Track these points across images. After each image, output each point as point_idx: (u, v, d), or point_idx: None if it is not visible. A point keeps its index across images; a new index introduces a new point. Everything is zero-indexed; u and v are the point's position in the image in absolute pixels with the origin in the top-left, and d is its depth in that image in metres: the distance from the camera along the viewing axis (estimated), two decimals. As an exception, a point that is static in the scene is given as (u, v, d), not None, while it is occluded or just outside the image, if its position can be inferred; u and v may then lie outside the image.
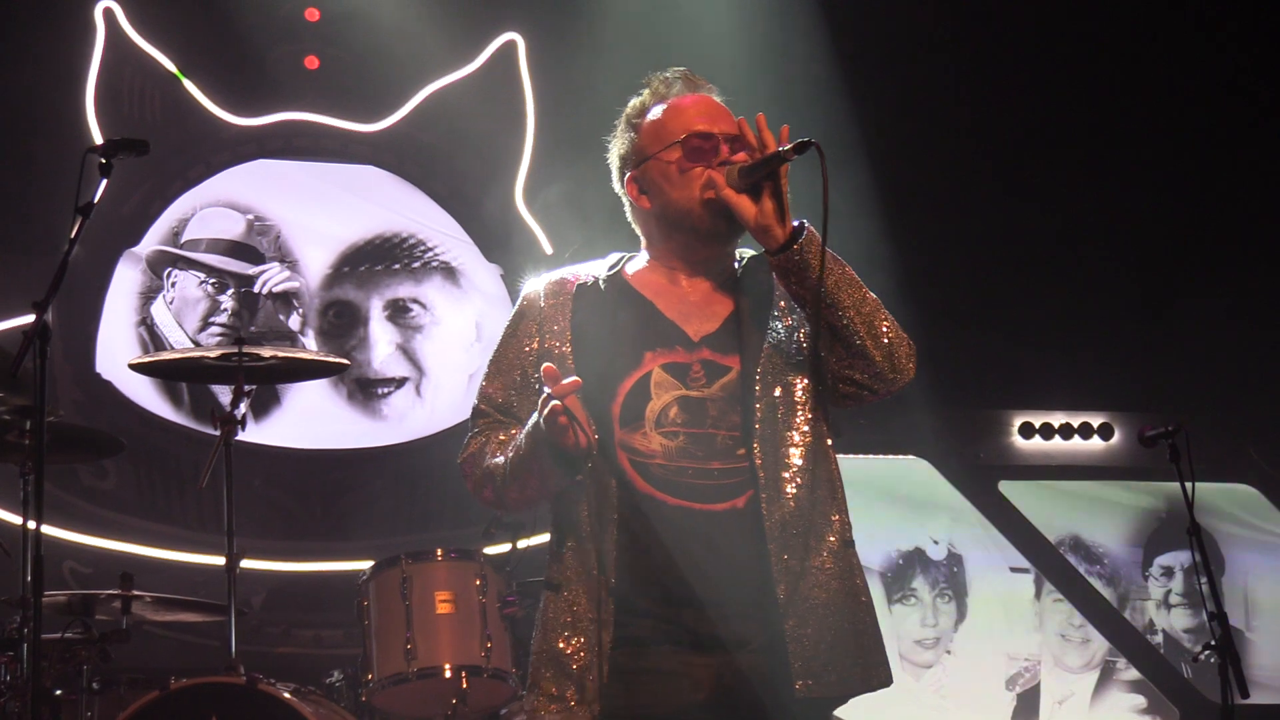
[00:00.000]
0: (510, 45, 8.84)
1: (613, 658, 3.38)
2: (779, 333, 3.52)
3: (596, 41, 8.45)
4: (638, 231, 3.71)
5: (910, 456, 8.96)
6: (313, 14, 8.70)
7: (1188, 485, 6.07)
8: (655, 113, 3.65)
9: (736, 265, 3.65)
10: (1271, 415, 9.12)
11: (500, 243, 8.68)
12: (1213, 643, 5.89)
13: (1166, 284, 8.93)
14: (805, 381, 3.50)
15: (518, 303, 3.67)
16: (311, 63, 8.73)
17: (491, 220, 8.71)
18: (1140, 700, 8.99)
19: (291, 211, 8.62)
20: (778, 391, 3.47)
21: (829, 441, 3.54)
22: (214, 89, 8.54)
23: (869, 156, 8.41)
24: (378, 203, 8.74)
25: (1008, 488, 9.16)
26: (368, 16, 8.59)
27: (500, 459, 3.50)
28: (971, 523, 9.10)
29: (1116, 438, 9.32)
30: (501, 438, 3.55)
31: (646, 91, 3.70)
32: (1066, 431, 9.32)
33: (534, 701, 3.44)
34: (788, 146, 3.42)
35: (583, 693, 3.38)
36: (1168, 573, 9.18)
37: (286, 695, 5.65)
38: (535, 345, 3.57)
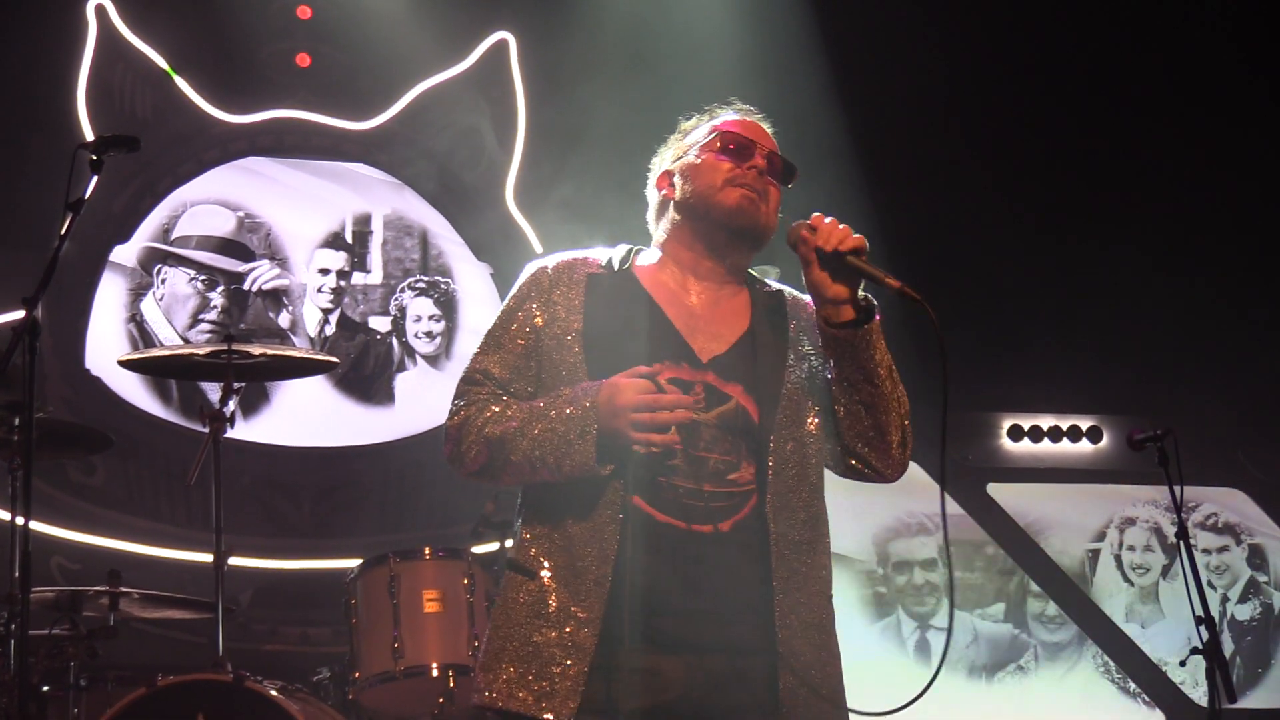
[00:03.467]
0: (501, 44, 8.84)
1: (596, 658, 3.37)
2: (794, 382, 3.54)
3: (587, 41, 8.46)
4: (653, 232, 3.74)
5: (899, 458, 8.94)
6: (304, 11, 8.71)
7: (1176, 489, 6.08)
8: (704, 124, 3.75)
9: (751, 285, 3.68)
10: (1259, 419, 9.14)
11: (490, 242, 8.68)
12: (1199, 646, 5.90)
13: (1156, 287, 8.93)
14: (814, 434, 3.54)
15: (522, 278, 3.65)
16: (303, 60, 8.74)
17: (482, 219, 8.71)
18: (1129, 703, 9.00)
19: (281, 209, 8.62)
20: (790, 446, 3.50)
21: (822, 494, 3.60)
22: (205, 86, 8.54)
23: (858, 157, 8.42)
24: (368, 201, 8.73)
25: (996, 490, 9.17)
26: (360, 14, 8.60)
27: (513, 426, 3.44)
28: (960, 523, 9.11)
29: (1105, 441, 9.33)
30: (497, 408, 3.49)
31: (704, 114, 3.80)
32: (1055, 434, 9.33)
33: (501, 685, 3.40)
34: (901, 286, 3.42)
35: (557, 688, 3.35)
36: (1150, 575, 9.20)
37: (273, 693, 5.64)
38: (541, 321, 3.55)
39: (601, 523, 3.41)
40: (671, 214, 3.67)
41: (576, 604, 3.39)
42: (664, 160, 3.76)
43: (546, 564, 3.44)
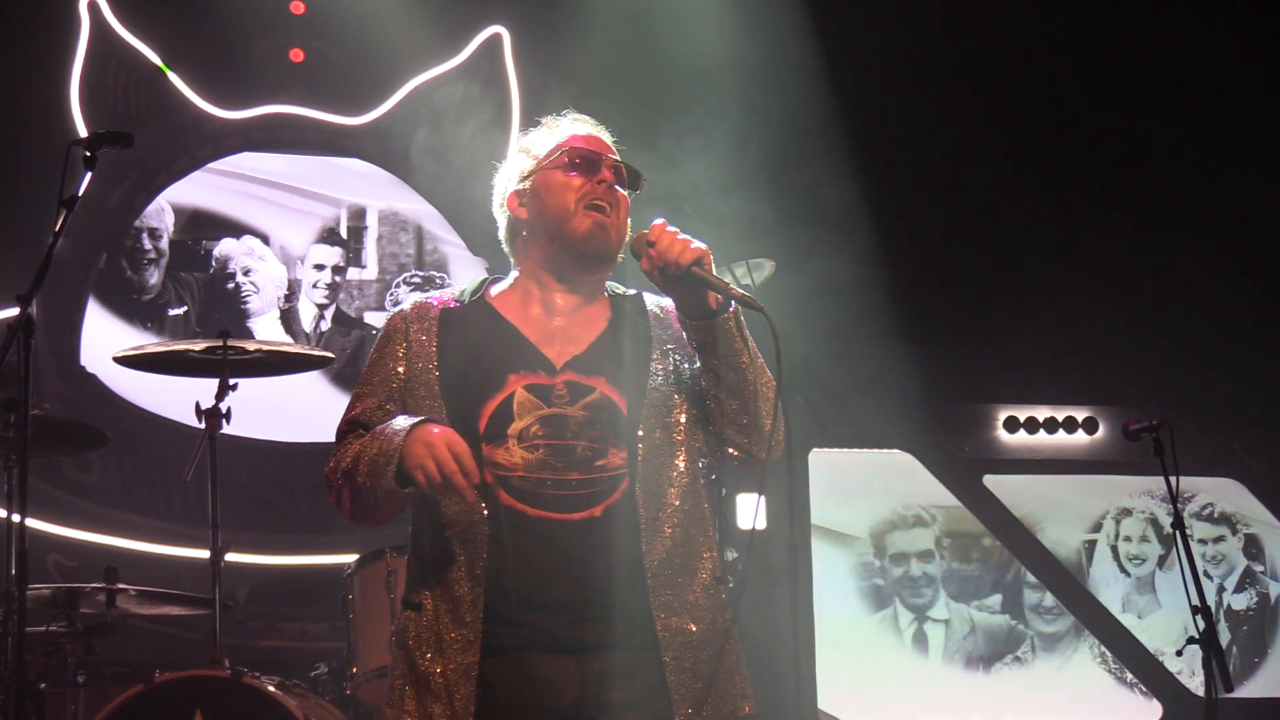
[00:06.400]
0: (496, 38, 8.84)
1: (480, 670, 3.46)
2: (658, 376, 3.63)
3: (582, 35, 8.45)
4: (507, 251, 3.82)
5: (895, 450, 8.95)
6: (298, 7, 8.70)
7: (1172, 479, 6.08)
8: (544, 138, 3.79)
9: (607, 294, 3.77)
10: (1255, 409, 9.14)
11: (485, 236, 8.67)
12: (1195, 636, 5.90)
13: (1151, 277, 8.94)
14: (684, 422, 3.62)
15: (383, 327, 3.76)
16: (297, 55, 8.72)
17: (476, 213, 8.69)
18: (1126, 693, 9.01)
19: (276, 205, 8.61)
20: (658, 434, 3.58)
21: (703, 481, 3.66)
22: (199, 82, 8.53)
23: (854, 151, 8.42)
24: (362, 196, 8.73)
25: (992, 481, 9.17)
26: (353, 9, 8.59)
27: (356, 451, 3.58)
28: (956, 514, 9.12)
29: (1101, 432, 9.33)
30: (356, 446, 3.62)
31: (541, 128, 3.84)
32: (1051, 425, 9.32)
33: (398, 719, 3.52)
34: (744, 294, 3.49)
35: (452, 711, 3.45)
36: (1147, 565, 9.21)
37: (271, 688, 5.64)
38: (403, 369, 3.66)
39: (470, 541, 3.50)
40: (524, 235, 3.74)
41: (459, 628, 3.48)
42: (509, 178, 3.81)
43: (428, 595, 3.55)
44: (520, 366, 3.58)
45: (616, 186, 3.71)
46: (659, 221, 3.54)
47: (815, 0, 8.67)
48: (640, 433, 3.56)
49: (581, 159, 3.71)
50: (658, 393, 3.60)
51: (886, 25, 8.75)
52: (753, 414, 3.57)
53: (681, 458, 3.60)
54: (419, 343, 3.66)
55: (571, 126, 3.80)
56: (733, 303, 3.51)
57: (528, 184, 3.74)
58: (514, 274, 3.78)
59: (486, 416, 3.55)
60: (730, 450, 3.62)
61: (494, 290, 3.77)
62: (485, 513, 3.49)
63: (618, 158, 3.76)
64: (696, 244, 3.48)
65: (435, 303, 3.74)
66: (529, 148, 3.80)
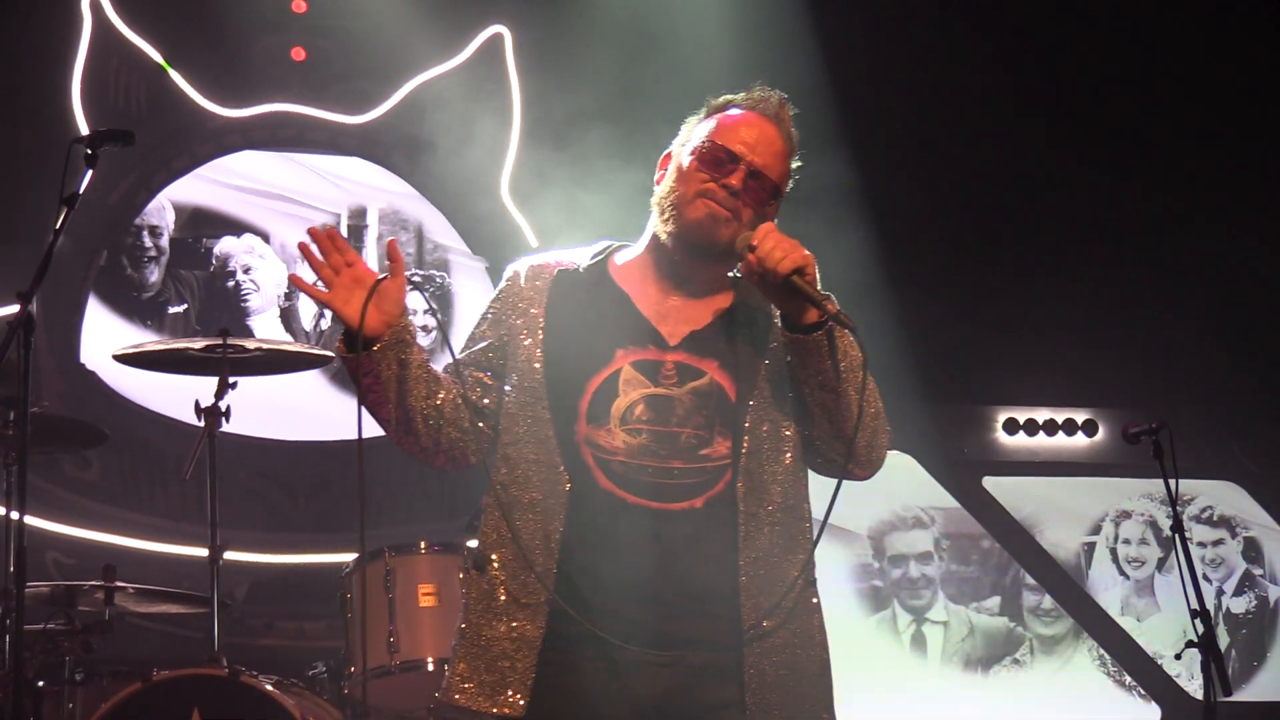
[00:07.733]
0: (497, 38, 8.84)
1: (545, 650, 3.36)
2: (775, 365, 3.48)
3: (583, 35, 8.45)
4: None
5: (894, 452, 8.94)
6: (300, 5, 8.70)
7: (1171, 482, 6.08)
8: (728, 113, 3.58)
9: (730, 274, 3.58)
10: (1255, 412, 9.14)
11: (485, 236, 8.68)
12: (1194, 639, 5.90)
13: (1152, 280, 8.94)
14: (795, 416, 3.47)
15: (501, 280, 3.64)
16: (298, 54, 8.73)
17: (477, 213, 8.71)
18: (1124, 696, 9.01)
19: (276, 204, 8.62)
20: (765, 428, 3.45)
21: (805, 477, 3.54)
22: (200, 80, 8.54)
23: (854, 151, 8.41)
24: (363, 195, 8.73)
25: (991, 483, 9.17)
26: (355, 8, 8.60)
27: None
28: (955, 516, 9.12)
29: (1100, 434, 9.33)
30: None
31: (742, 94, 3.63)
32: (1051, 428, 9.33)
33: (452, 680, 3.42)
34: (838, 312, 3.30)
35: (506, 681, 3.36)
36: (1146, 568, 9.21)
37: (269, 687, 5.64)
38: (511, 320, 3.55)
39: (549, 512, 3.40)
40: (654, 206, 3.56)
41: (524, 595, 3.38)
42: (681, 133, 3.60)
43: (495, 556, 3.44)
44: (629, 341, 3.45)
45: (745, 195, 3.46)
46: (767, 224, 3.40)
47: (818, 6, 8.67)
48: (747, 424, 3.42)
49: (719, 154, 3.48)
50: (770, 384, 3.45)
51: (889, 18, 8.74)
52: (841, 431, 3.42)
53: (789, 452, 3.47)
54: (529, 304, 3.54)
55: (750, 116, 3.57)
56: (828, 324, 3.34)
57: (677, 151, 3.55)
58: (641, 245, 3.61)
59: (590, 392, 3.43)
60: (818, 460, 3.51)
61: (618, 258, 3.61)
62: (568, 487, 3.39)
63: (764, 163, 3.50)
64: (801, 252, 3.32)
65: (553, 264, 3.60)
66: (707, 110, 3.60)
